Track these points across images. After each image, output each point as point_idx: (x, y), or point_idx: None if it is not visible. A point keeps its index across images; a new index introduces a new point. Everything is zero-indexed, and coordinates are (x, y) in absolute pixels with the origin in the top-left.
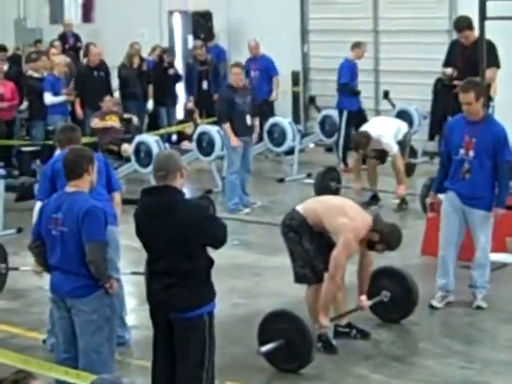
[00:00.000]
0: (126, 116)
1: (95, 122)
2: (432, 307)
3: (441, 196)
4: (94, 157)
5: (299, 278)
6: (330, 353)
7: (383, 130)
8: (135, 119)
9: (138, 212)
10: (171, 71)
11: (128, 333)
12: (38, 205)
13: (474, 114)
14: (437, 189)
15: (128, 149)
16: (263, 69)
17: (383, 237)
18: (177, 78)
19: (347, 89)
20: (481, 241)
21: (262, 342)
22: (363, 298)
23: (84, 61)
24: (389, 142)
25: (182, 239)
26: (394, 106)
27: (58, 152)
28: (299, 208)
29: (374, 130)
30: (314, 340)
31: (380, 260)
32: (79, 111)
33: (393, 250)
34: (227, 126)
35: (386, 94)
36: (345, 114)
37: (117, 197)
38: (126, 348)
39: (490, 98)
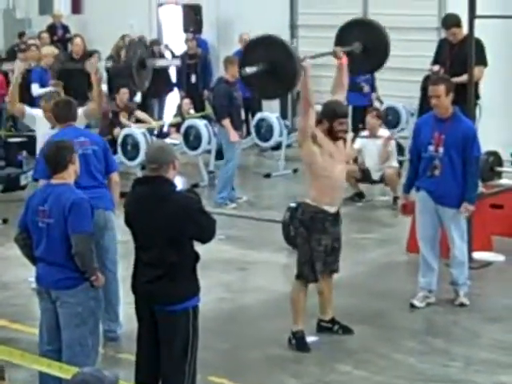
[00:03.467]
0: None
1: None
2: (413, 306)
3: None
4: (74, 147)
5: (298, 275)
6: (302, 351)
7: None
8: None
9: (128, 201)
10: (167, 55)
11: (120, 328)
12: (41, 183)
13: (441, 109)
14: (407, 189)
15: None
16: None
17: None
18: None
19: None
20: (455, 238)
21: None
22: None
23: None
24: None
25: (171, 230)
26: (381, 102)
27: (55, 130)
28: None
29: None
30: (299, 61)
31: (368, 255)
32: None
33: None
34: (227, 121)
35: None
36: (350, 109)
37: (114, 176)
38: (111, 341)
39: (477, 97)
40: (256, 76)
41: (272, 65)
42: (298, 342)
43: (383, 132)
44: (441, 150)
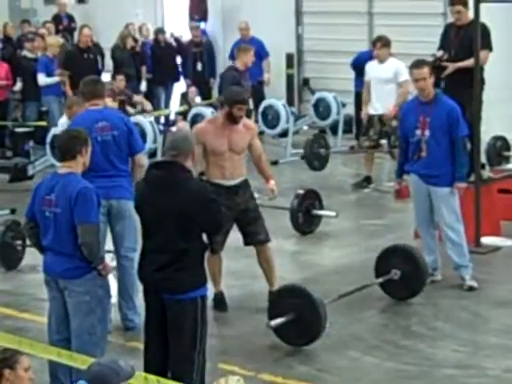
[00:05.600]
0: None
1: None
2: None
3: (406, 178)
4: (89, 139)
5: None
6: (221, 310)
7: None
8: (148, 106)
9: (141, 184)
10: (173, 42)
11: (138, 317)
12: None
13: (426, 92)
14: (398, 174)
15: None
16: (255, 51)
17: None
18: (178, 50)
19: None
20: (446, 218)
21: (272, 317)
22: (271, 182)
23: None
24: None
25: (183, 217)
26: None
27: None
28: None
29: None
30: (325, 315)
31: (376, 241)
32: (69, 92)
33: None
34: None
35: None
36: (353, 95)
37: (138, 158)
38: (118, 330)
39: (482, 81)
40: (279, 326)
41: (298, 316)
42: (216, 303)
43: (393, 61)
44: (427, 132)
